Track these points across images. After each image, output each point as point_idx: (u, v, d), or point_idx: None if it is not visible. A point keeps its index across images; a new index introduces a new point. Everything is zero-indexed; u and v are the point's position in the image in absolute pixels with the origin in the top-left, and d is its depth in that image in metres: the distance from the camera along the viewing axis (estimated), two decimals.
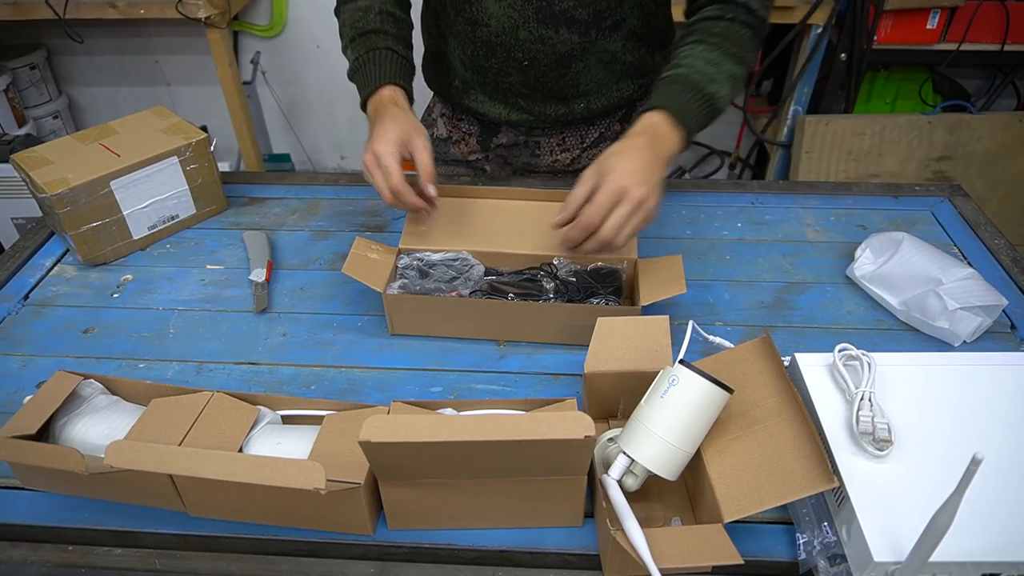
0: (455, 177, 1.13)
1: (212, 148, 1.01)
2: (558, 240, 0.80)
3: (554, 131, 1.09)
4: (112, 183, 0.93)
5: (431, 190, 0.83)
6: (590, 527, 0.64)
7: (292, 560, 0.63)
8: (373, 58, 0.90)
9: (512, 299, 0.80)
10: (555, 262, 0.84)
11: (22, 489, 0.68)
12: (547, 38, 0.93)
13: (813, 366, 0.70)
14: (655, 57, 1.03)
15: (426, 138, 0.84)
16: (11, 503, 0.67)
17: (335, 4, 0.98)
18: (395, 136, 0.82)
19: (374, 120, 0.87)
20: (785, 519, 0.64)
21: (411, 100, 0.92)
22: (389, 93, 0.89)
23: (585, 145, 1.09)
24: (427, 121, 1.18)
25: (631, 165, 0.74)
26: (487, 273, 0.85)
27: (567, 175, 1.12)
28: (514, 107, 1.03)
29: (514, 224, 0.89)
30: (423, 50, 1.12)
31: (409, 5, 0.99)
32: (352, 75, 0.93)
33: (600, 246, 0.75)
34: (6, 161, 1.64)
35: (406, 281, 0.83)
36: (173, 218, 1.02)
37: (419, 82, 1.13)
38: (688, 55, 0.83)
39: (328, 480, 0.56)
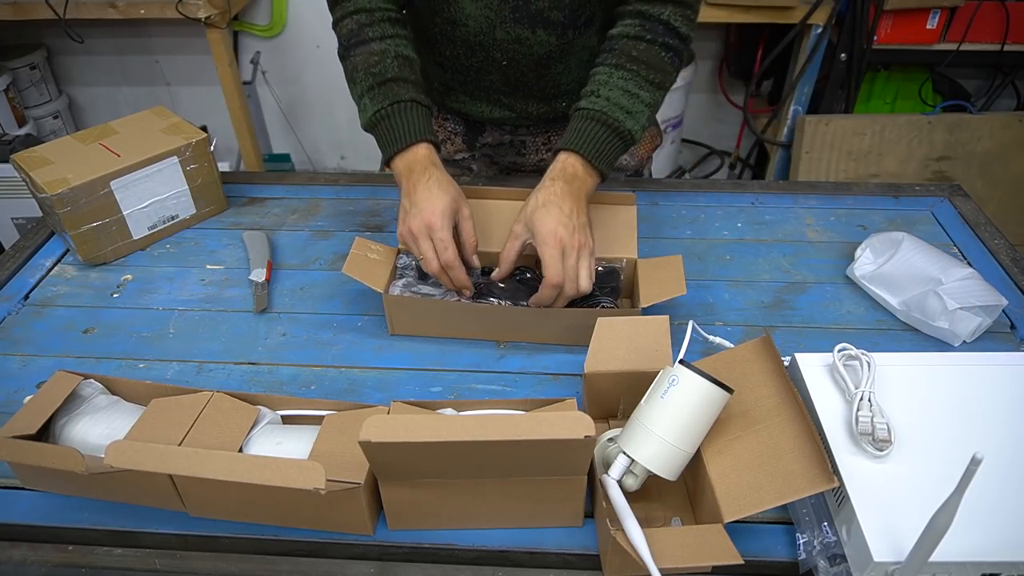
0: (449, 164, 1.12)
1: (212, 148, 1.01)
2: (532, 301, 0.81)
3: (539, 130, 1.08)
4: (112, 183, 0.93)
5: (476, 261, 0.83)
6: (590, 527, 0.64)
7: (292, 560, 0.63)
8: (399, 111, 0.84)
9: (504, 304, 0.81)
10: None
11: (22, 489, 0.68)
12: (524, 38, 0.92)
13: (813, 366, 0.70)
14: None
15: (469, 208, 0.82)
16: (11, 503, 0.67)
17: (339, 48, 0.91)
18: (447, 207, 0.79)
19: (411, 180, 0.81)
20: (785, 519, 0.64)
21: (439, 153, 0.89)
22: (426, 153, 0.84)
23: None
24: None
25: (557, 217, 0.76)
26: (483, 272, 0.85)
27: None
28: (496, 104, 1.03)
29: (507, 223, 0.89)
30: None
31: (411, 36, 0.94)
32: (372, 127, 0.86)
33: (568, 300, 0.78)
34: (6, 161, 1.63)
35: (410, 279, 0.83)
36: (173, 218, 1.02)
37: None
38: (606, 83, 0.83)
39: (328, 480, 0.56)
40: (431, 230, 0.78)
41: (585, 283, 0.77)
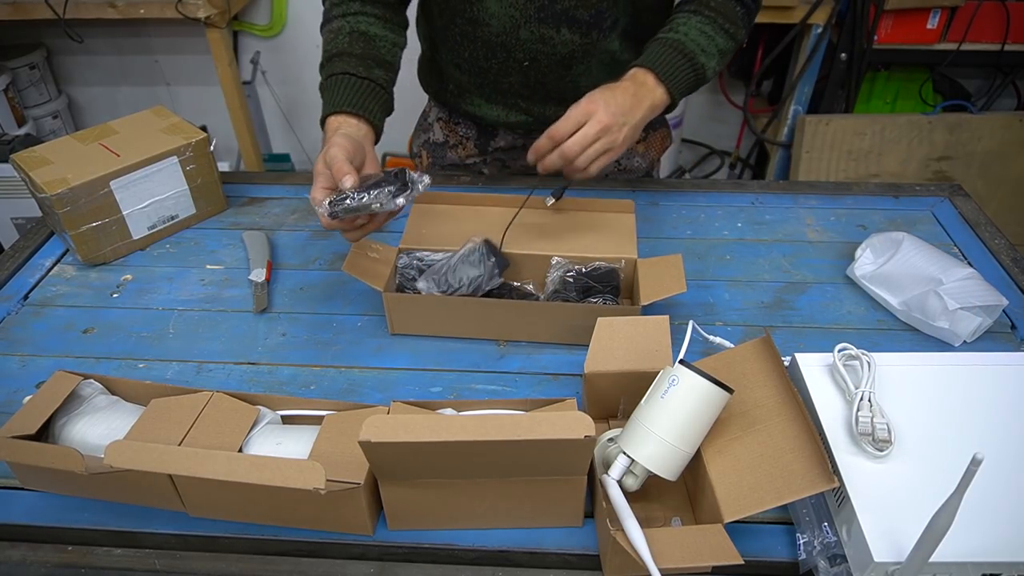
0: (454, 177, 1.12)
1: (212, 148, 1.01)
2: (534, 161, 0.81)
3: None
4: (112, 183, 0.93)
5: (347, 181, 0.73)
6: (590, 527, 0.64)
7: (292, 560, 0.63)
8: (328, 86, 0.86)
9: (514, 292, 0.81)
10: (553, 262, 0.84)
11: (22, 489, 0.68)
12: (548, 38, 0.92)
13: (813, 366, 0.70)
14: None
15: (343, 165, 0.75)
16: (11, 503, 0.67)
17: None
18: (321, 172, 0.76)
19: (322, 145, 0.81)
20: (785, 519, 0.64)
21: (374, 126, 0.86)
22: (333, 124, 0.84)
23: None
24: (423, 125, 1.17)
25: (608, 98, 0.78)
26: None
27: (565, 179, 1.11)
28: (513, 108, 1.03)
29: (513, 226, 0.89)
30: (419, 53, 1.11)
31: (398, 22, 0.95)
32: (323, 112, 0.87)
33: (563, 162, 0.79)
34: (6, 161, 1.63)
35: (432, 279, 0.82)
36: (173, 218, 1.02)
37: (416, 85, 1.14)
38: (684, 23, 0.86)
39: (328, 480, 0.56)
40: (315, 177, 0.75)
41: (585, 162, 0.78)
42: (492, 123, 1.06)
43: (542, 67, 0.96)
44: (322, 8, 0.95)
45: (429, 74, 1.09)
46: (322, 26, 0.93)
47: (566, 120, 0.78)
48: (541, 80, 0.98)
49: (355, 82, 0.86)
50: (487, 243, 0.82)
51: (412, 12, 1.02)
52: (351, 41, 0.88)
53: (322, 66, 0.89)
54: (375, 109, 0.87)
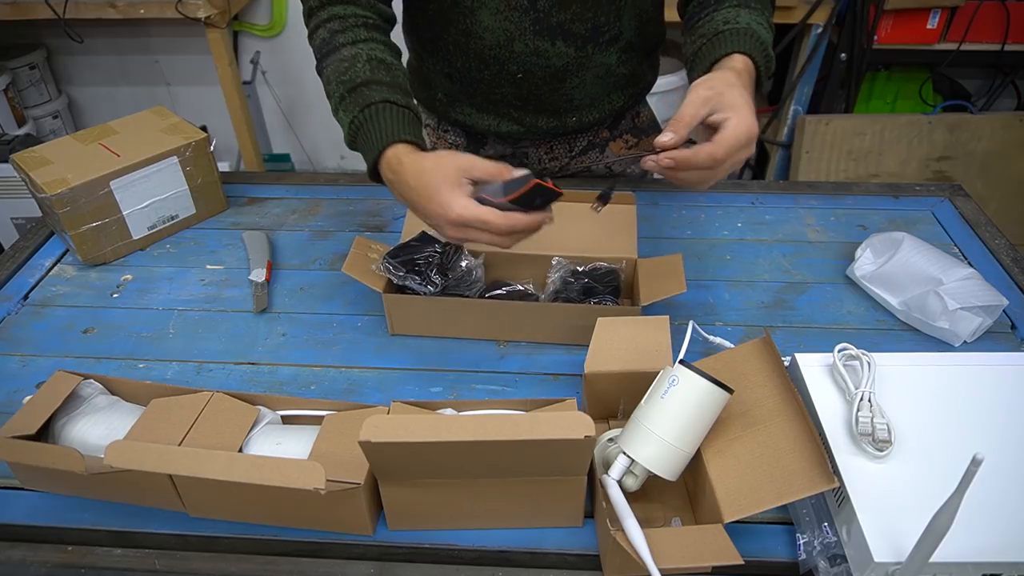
0: None
1: (212, 148, 1.01)
2: (652, 162, 0.69)
3: (542, 142, 1.07)
4: (112, 183, 0.93)
5: (512, 172, 0.68)
6: (590, 527, 0.64)
7: (292, 560, 0.63)
8: (370, 116, 0.75)
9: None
10: (553, 262, 0.84)
11: (22, 489, 0.68)
12: (543, 51, 0.91)
13: (813, 366, 0.70)
14: (644, 66, 1.02)
15: (469, 158, 0.70)
16: (11, 503, 0.67)
17: (316, 62, 0.84)
18: (451, 180, 0.67)
19: (400, 185, 0.72)
20: (785, 519, 0.64)
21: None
22: (401, 151, 0.73)
23: (573, 154, 1.08)
24: None
25: (750, 107, 0.69)
26: (488, 288, 0.84)
27: (557, 178, 1.11)
28: (504, 118, 1.01)
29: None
30: (405, 61, 1.09)
31: (397, 50, 0.85)
32: (352, 143, 0.78)
33: (705, 179, 0.70)
34: (6, 161, 1.64)
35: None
36: (173, 218, 1.02)
37: None
38: (737, 15, 0.78)
39: (328, 480, 0.56)
40: (465, 221, 0.67)
41: (721, 174, 0.70)
42: (482, 132, 1.04)
43: (536, 79, 0.94)
44: (315, 31, 0.84)
45: (416, 82, 1.05)
46: (325, 55, 0.81)
47: (735, 141, 0.67)
48: (534, 92, 0.96)
49: (400, 112, 0.75)
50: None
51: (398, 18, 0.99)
52: (372, 69, 0.78)
53: (343, 99, 0.78)
54: (420, 135, 0.78)
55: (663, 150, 0.68)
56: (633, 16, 0.92)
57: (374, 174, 0.76)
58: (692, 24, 0.84)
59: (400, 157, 0.72)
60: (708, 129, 0.70)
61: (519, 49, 0.91)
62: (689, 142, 0.69)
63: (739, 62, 0.75)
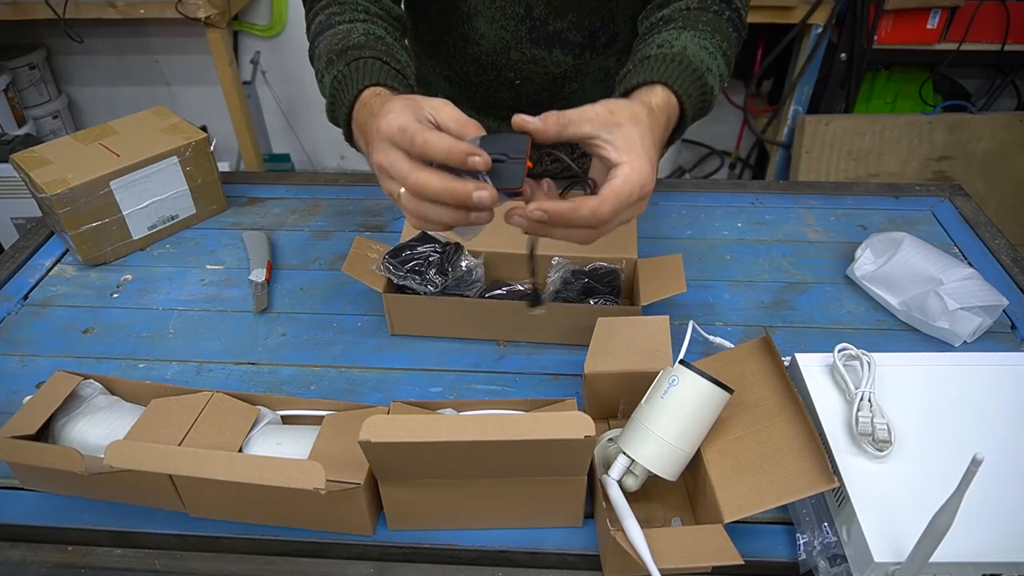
0: None
1: (212, 148, 1.01)
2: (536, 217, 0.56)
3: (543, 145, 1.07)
4: (112, 183, 0.93)
5: (473, 129, 0.55)
6: (590, 527, 0.64)
7: (292, 560, 0.63)
8: (356, 68, 0.66)
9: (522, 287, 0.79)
10: (553, 262, 0.84)
11: (22, 489, 0.68)
12: (540, 59, 0.90)
13: (813, 366, 0.70)
14: None
15: (445, 101, 0.57)
16: (11, 503, 0.67)
17: (309, 46, 0.78)
18: (407, 107, 0.55)
19: (366, 133, 0.62)
20: (785, 519, 0.64)
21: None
22: (381, 91, 0.65)
23: (575, 157, 1.08)
24: None
25: (649, 154, 0.56)
26: (488, 288, 0.84)
27: (558, 179, 1.10)
28: (505, 120, 0.99)
29: (512, 224, 0.89)
30: None
31: (405, 45, 0.79)
32: (331, 108, 0.68)
33: (589, 237, 0.58)
34: (6, 161, 1.64)
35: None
36: (173, 218, 1.02)
37: None
38: (676, 38, 0.68)
39: (328, 480, 0.56)
40: (390, 140, 0.54)
41: (605, 232, 0.58)
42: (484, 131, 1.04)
43: (534, 85, 0.94)
44: (313, 19, 0.79)
45: (416, 82, 1.04)
46: (319, 33, 0.76)
47: (626, 196, 0.55)
48: (533, 97, 0.96)
49: (386, 69, 0.67)
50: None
51: None
52: (367, 39, 0.71)
53: (330, 62, 0.69)
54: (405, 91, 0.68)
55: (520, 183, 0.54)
56: (627, 18, 0.91)
57: (348, 133, 0.67)
58: (633, 50, 0.75)
59: (375, 94, 0.63)
60: (592, 162, 0.59)
61: (516, 57, 0.90)
62: (576, 183, 0.56)
63: (659, 97, 0.63)
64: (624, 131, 0.56)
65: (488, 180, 0.53)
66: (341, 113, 0.67)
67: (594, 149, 0.57)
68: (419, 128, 0.53)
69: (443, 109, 0.56)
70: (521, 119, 0.55)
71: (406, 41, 0.82)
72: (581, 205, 0.54)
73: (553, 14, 0.86)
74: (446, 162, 0.53)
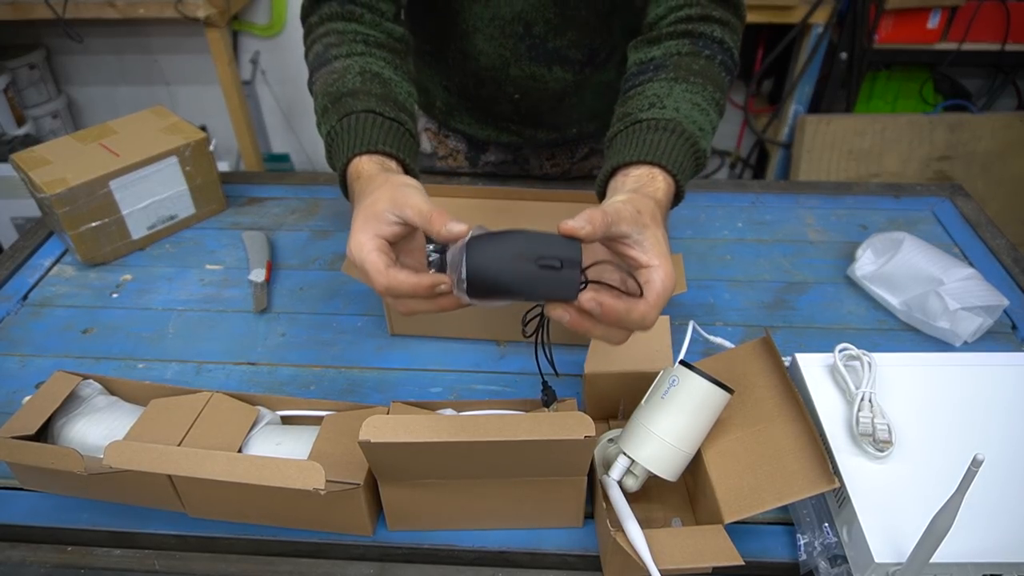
0: (453, 177, 1.12)
1: (211, 148, 1.01)
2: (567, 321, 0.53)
3: (543, 150, 1.07)
4: (111, 183, 0.93)
5: (453, 228, 0.52)
6: (590, 528, 0.64)
7: (292, 561, 0.63)
8: (347, 126, 0.65)
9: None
10: None
11: (21, 489, 0.68)
12: (540, 76, 0.90)
13: (813, 366, 0.69)
14: None
15: (416, 188, 0.57)
16: (10, 503, 0.67)
17: (308, 77, 0.76)
18: (374, 210, 0.55)
19: (354, 206, 0.61)
20: (786, 520, 0.64)
21: (410, 172, 0.66)
22: (366, 164, 0.63)
23: (575, 160, 1.08)
24: None
25: (669, 256, 0.55)
26: None
27: (559, 181, 1.11)
28: (504, 130, 1.01)
29: (514, 223, 0.89)
30: None
31: (407, 71, 0.77)
32: (328, 159, 0.68)
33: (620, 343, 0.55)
34: (5, 161, 1.64)
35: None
36: (172, 218, 1.02)
37: None
38: (668, 94, 0.67)
39: (328, 480, 0.56)
40: (354, 258, 0.55)
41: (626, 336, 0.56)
42: (483, 140, 1.04)
43: (533, 99, 0.94)
44: (311, 47, 0.77)
45: (416, 89, 1.02)
46: (315, 68, 0.74)
47: (663, 301, 0.53)
48: (532, 110, 0.96)
49: (384, 123, 0.66)
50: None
51: None
52: (364, 80, 0.69)
53: (325, 110, 0.68)
54: (411, 154, 0.67)
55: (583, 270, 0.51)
56: (626, 32, 0.90)
57: (346, 191, 0.66)
58: (623, 90, 0.74)
59: (360, 169, 0.62)
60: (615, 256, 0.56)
61: (515, 73, 0.90)
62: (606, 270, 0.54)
63: (661, 189, 0.61)
64: (651, 233, 0.54)
65: (464, 266, 0.50)
66: (337, 171, 0.67)
67: (620, 247, 0.55)
68: (381, 271, 0.53)
69: (408, 204, 0.54)
70: (571, 227, 0.51)
71: (410, 58, 0.80)
72: (633, 308, 0.52)
73: (552, 32, 0.86)
74: (409, 293, 0.54)
